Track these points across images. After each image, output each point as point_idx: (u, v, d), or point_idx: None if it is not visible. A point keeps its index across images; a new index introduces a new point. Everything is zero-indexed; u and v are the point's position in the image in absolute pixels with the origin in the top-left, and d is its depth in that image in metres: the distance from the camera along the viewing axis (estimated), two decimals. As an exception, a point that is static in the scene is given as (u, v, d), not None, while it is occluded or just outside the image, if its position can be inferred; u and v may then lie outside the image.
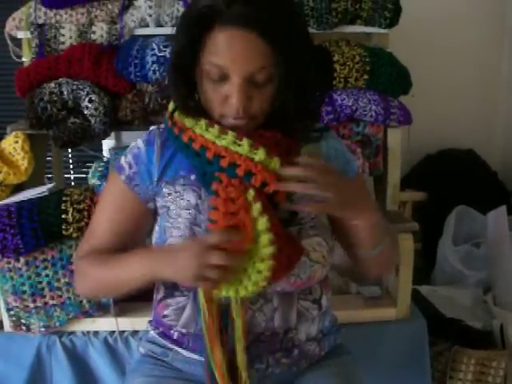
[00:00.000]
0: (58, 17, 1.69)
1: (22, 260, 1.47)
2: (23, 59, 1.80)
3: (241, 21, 0.84)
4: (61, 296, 1.51)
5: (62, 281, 1.50)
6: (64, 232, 1.46)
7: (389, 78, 1.66)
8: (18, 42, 1.80)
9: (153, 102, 1.63)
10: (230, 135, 0.91)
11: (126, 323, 1.56)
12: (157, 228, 1.03)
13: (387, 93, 1.69)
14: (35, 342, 1.54)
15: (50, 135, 1.63)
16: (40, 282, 1.49)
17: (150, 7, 1.65)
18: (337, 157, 1.06)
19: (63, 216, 1.45)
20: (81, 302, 1.52)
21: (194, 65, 0.92)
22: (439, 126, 2.52)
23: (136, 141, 1.05)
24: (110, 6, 1.68)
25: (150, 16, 1.66)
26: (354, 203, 0.93)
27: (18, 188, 1.61)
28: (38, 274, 1.49)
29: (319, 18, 1.66)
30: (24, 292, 1.49)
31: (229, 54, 0.86)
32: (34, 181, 1.64)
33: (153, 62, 1.58)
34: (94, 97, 1.58)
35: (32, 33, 1.70)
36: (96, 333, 1.58)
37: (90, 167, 1.74)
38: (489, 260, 2.16)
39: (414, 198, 2.39)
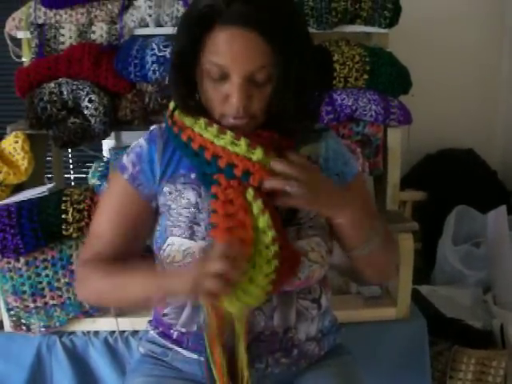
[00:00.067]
0: (58, 17, 1.69)
1: (22, 260, 1.47)
2: (23, 59, 1.80)
3: (241, 20, 0.85)
4: (61, 296, 1.51)
5: (62, 281, 1.50)
6: (64, 232, 1.46)
7: (389, 77, 1.66)
8: (17, 42, 1.80)
9: (153, 101, 1.63)
10: (229, 135, 0.91)
11: (126, 323, 1.56)
12: (157, 227, 1.03)
13: (387, 92, 1.69)
14: (35, 342, 1.54)
15: (49, 135, 1.63)
16: (40, 282, 1.49)
17: (150, 7, 1.65)
18: (335, 157, 1.07)
19: (63, 216, 1.45)
20: (81, 302, 1.52)
21: (194, 64, 0.92)
22: (439, 126, 2.51)
23: (138, 140, 1.05)
24: (109, 6, 1.68)
25: (150, 16, 1.66)
26: (329, 201, 0.94)
27: (18, 188, 1.61)
28: (38, 274, 1.49)
29: (319, 18, 1.66)
30: (24, 292, 1.49)
31: (229, 53, 0.86)
32: (33, 181, 1.64)
33: (153, 62, 1.58)
34: (93, 97, 1.58)
35: (32, 33, 1.70)
36: (96, 333, 1.58)
37: (90, 167, 1.74)
38: (489, 260, 2.16)
39: (414, 198, 2.39)
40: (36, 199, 1.48)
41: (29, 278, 1.48)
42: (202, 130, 0.94)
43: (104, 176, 1.60)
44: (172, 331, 1.06)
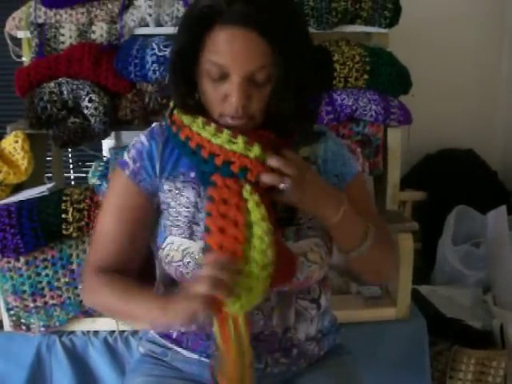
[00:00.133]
0: (58, 16, 1.69)
1: (22, 260, 1.47)
2: (23, 59, 1.80)
3: (241, 20, 0.85)
4: (61, 296, 1.51)
5: (62, 280, 1.50)
6: (64, 232, 1.46)
7: (389, 77, 1.66)
8: (17, 42, 1.80)
9: (153, 101, 1.63)
10: (225, 133, 0.91)
11: (126, 323, 1.56)
12: (157, 227, 1.03)
13: (387, 92, 1.69)
14: (35, 341, 1.54)
15: (49, 135, 1.63)
16: (40, 282, 1.49)
17: (150, 7, 1.65)
18: (334, 159, 1.07)
19: (63, 216, 1.45)
20: (81, 301, 1.52)
21: (194, 63, 0.92)
22: (439, 126, 2.51)
23: (138, 136, 1.05)
24: (109, 6, 1.68)
25: (150, 16, 1.66)
26: (316, 200, 0.93)
27: (18, 188, 1.61)
28: (38, 274, 1.49)
29: (319, 18, 1.66)
30: (24, 292, 1.49)
31: (229, 52, 0.87)
32: (33, 180, 1.64)
33: (153, 62, 1.58)
34: (93, 96, 1.58)
35: (32, 32, 1.70)
36: (96, 332, 1.58)
37: (90, 167, 1.74)
38: (488, 260, 2.16)
39: (414, 198, 2.40)
40: (36, 199, 1.48)
41: (29, 277, 1.48)
42: (199, 129, 0.94)
43: (104, 176, 1.60)
44: (172, 331, 1.06)
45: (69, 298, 1.51)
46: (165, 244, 0.99)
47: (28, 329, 1.53)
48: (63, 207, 1.45)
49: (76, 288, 1.51)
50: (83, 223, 1.46)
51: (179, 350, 1.05)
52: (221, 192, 0.90)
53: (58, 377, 1.55)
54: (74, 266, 1.49)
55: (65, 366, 1.54)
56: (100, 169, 1.66)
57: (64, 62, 1.61)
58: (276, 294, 1.00)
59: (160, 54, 1.58)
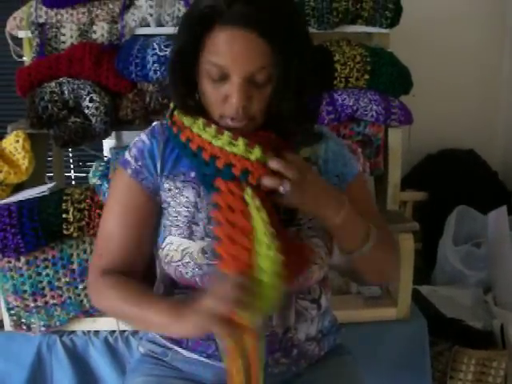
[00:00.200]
0: (59, 16, 1.69)
1: (23, 259, 1.47)
2: (24, 59, 1.80)
3: (241, 21, 0.84)
4: (61, 295, 1.51)
5: (63, 280, 1.50)
6: (65, 231, 1.46)
7: (390, 77, 1.66)
8: (18, 42, 1.80)
9: (153, 101, 1.63)
10: (226, 135, 0.91)
11: (133, 325, 1.56)
12: (158, 225, 1.03)
13: (388, 93, 1.69)
14: (36, 341, 1.55)
15: (50, 134, 1.63)
16: (40, 282, 1.49)
17: (151, 7, 1.65)
18: (335, 159, 1.07)
19: (64, 215, 1.45)
20: (81, 301, 1.52)
21: (194, 64, 0.92)
22: (440, 126, 2.51)
23: (139, 135, 1.05)
24: (110, 6, 1.69)
25: (151, 15, 1.66)
26: (317, 202, 0.93)
27: (19, 187, 1.61)
28: (39, 274, 1.49)
29: (320, 18, 1.66)
30: (24, 291, 1.49)
31: (229, 53, 0.86)
32: (34, 180, 1.64)
33: (154, 62, 1.58)
34: (94, 96, 1.58)
35: (33, 32, 1.70)
36: (96, 332, 1.58)
37: (90, 166, 1.73)
38: (489, 260, 2.16)
39: (415, 198, 2.39)
40: (36, 198, 1.48)
41: (29, 277, 1.49)
42: (200, 131, 0.94)
43: (105, 175, 1.60)
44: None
45: (69, 297, 1.52)
46: (164, 244, 0.99)
47: (28, 328, 1.53)
48: (64, 207, 1.45)
49: (76, 288, 1.51)
50: (84, 223, 1.46)
51: (179, 349, 1.05)
52: (225, 198, 0.90)
53: (58, 376, 1.55)
54: (75, 266, 1.50)
55: (65, 365, 1.54)
56: (101, 169, 1.66)
57: (65, 62, 1.61)
58: None
59: (161, 53, 1.58)
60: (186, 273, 0.96)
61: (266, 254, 0.86)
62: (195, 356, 1.03)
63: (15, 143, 1.57)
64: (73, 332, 1.58)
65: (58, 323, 1.54)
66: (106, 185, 1.50)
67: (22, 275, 1.48)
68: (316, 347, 1.08)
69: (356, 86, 1.67)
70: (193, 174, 1.00)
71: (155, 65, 1.58)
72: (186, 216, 0.98)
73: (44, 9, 1.69)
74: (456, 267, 2.20)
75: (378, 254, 1.00)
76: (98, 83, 1.62)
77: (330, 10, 1.66)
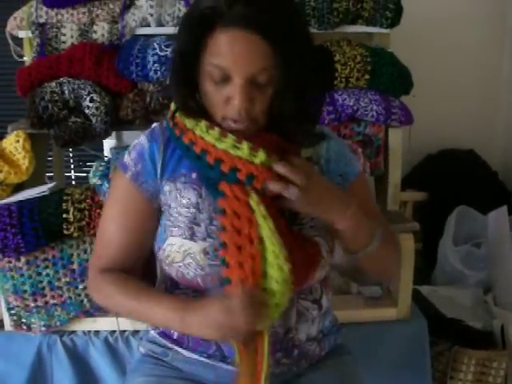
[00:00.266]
0: (60, 16, 1.69)
1: (23, 259, 1.47)
2: (24, 58, 1.80)
3: (242, 22, 0.84)
4: (61, 295, 1.51)
5: (63, 280, 1.50)
6: (65, 231, 1.46)
7: (390, 77, 1.66)
8: (19, 42, 1.80)
9: (154, 101, 1.63)
10: (230, 138, 0.91)
11: (127, 323, 1.56)
12: (158, 228, 1.03)
13: (388, 93, 1.69)
14: (36, 341, 1.55)
15: (50, 134, 1.63)
16: (41, 282, 1.49)
17: (152, 7, 1.65)
18: (337, 159, 1.07)
19: (64, 215, 1.45)
20: (81, 301, 1.52)
21: (195, 65, 0.92)
22: (440, 126, 2.51)
23: (139, 138, 1.04)
24: (111, 6, 1.68)
25: (152, 15, 1.66)
26: (326, 206, 0.94)
27: (19, 187, 1.61)
28: (39, 274, 1.49)
29: (320, 18, 1.66)
30: (25, 291, 1.49)
31: (230, 55, 0.86)
32: (34, 180, 1.64)
33: (154, 62, 1.58)
34: (95, 96, 1.58)
35: (33, 32, 1.70)
36: (97, 332, 1.58)
37: (90, 166, 1.73)
38: (489, 260, 2.16)
39: (415, 198, 2.39)
40: (37, 198, 1.48)
41: (29, 277, 1.49)
42: (203, 133, 0.93)
43: (105, 175, 1.60)
44: (172, 331, 1.06)
45: (69, 297, 1.51)
46: (165, 245, 0.99)
47: (29, 328, 1.53)
48: (64, 207, 1.45)
49: (77, 288, 1.51)
50: (84, 223, 1.46)
51: (180, 350, 1.05)
52: (231, 203, 0.90)
53: (58, 376, 1.55)
54: (75, 266, 1.50)
55: (65, 365, 1.54)
56: (101, 169, 1.66)
57: (65, 62, 1.61)
58: None
59: (161, 53, 1.58)
60: (188, 273, 0.96)
61: (275, 263, 0.87)
62: (196, 356, 1.03)
63: (15, 143, 1.57)
64: (73, 332, 1.58)
65: (58, 323, 1.54)
66: (107, 185, 1.50)
67: (22, 275, 1.48)
68: (317, 347, 1.08)
69: (356, 86, 1.67)
70: (194, 175, 0.99)
71: (156, 65, 1.58)
72: (187, 217, 0.98)
73: (44, 9, 1.69)
74: (456, 267, 2.20)
75: (382, 252, 1.00)
76: (98, 83, 1.62)
77: (330, 10, 1.66)
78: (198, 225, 0.97)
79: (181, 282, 1.01)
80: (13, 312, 1.51)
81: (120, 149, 1.89)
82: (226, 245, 0.89)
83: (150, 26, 1.70)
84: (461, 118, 2.56)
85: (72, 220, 1.45)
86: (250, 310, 0.84)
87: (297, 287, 0.92)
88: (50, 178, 1.93)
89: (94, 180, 1.60)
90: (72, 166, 2.65)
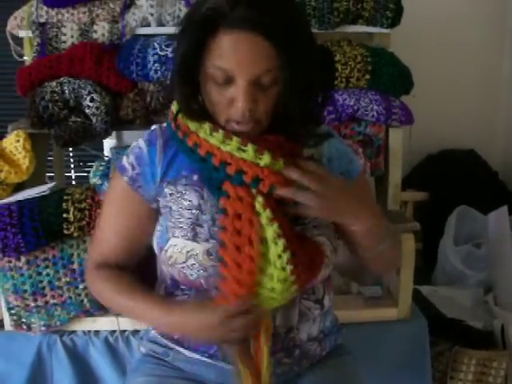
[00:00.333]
0: (60, 16, 1.69)
1: (23, 259, 1.47)
2: (25, 58, 1.80)
3: (245, 24, 0.83)
4: (62, 295, 1.51)
5: (63, 280, 1.50)
6: (65, 231, 1.46)
7: (390, 77, 1.66)
8: (19, 41, 1.80)
9: (154, 101, 1.63)
10: (235, 141, 0.90)
11: (127, 322, 1.56)
12: (158, 227, 1.03)
13: (389, 93, 1.69)
14: (36, 341, 1.54)
15: (51, 134, 1.63)
16: (41, 281, 1.49)
17: (152, 6, 1.65)
18: (339, 156, 1.06)
19: (64, 215, 1.45)
20: (82, 301, 1.52)
21: (197, 68, 0.91)
22: (440, 126, 2.51)
23: (137, 140, 1.04)
24: (111, 5, 1.68)
25: (152, 15, 1.66)
26: (345, 210, 0.94)
27: (19, 187, 1.61)
28: (39, 273, 1.49)
29: (321, 18, 1.66)
30: (25, 291, 1.49)
31: (234, 57, 0.85)
32: (35, 180, 1.64)
33: (154, 62, 1.58)
34: (95, 96, 1.58)
35: (33, 32, 1.70)
36: (97, 332, 1.58)
37: (91, 166, 1.73)
38: (490, 260, 2.15)
39: (415, 198, 2.39)
40: (37, 198, 1.48)
41: (30, 276, 1.48)
42: (207, 136, 0.93)
43: (105, 175, 1.60)
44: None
45: (70, 297, 1.51)
46: (167, 246, 0.99)
47: (29, 328, 1.53)
48: (64, 207, 1.45)
49: (77, 288, 1.51)
50: (84, 223, 1.45)
51: (181, 349, 1.05)
52: (233, 204, 0.90)
53: (58, 376, 1.55)
54: (75, 266, 1.49)
55: (65, 365, 1.54)
56: (101, 168, 1.66)
57: (66, 62, 1.61)
58: None
59: (162, 53, 1.58)
60: (191, 275, 0.96)
61: (277, 263, 0.88)
62: (197, 356, 1.03)
63: (16, 143, 1.57)
64: (73, 332, 1.57)
65: (58, 323, 1.54)
66: (107, 184, 1.50)
67: (22, 275, 1.48)
68: (318, 347, 1.08)
69: (357, 86, 1.67)
70: (195, 177, 0.99)
71: (156, 64, 1.58)
72: (189, 218, 0.98)
73: (45, 8, 1.69)
74: (456, 267, 2.20)
75: (388, 250, 1.02)
76: (98, 83, 1.62)
77: (330, 9, 1.66)
78: (201, 226, 0.97)
79: (183, 283, 1.01)
80: (13, 312, 1.51)
81: (120, 149, 1.90)
82: (224, 244, 0.90)
83: (150, 26, 1.70)
84: (461, 118, 2.56)
85: (72, 220, 1.45)
86: (239, 320, 0.87)
87: (300, 289, 0.92)
88: (51, 177, 1.93)
89: (95, 180, 1.60)
90: (72, 166, 2.65)
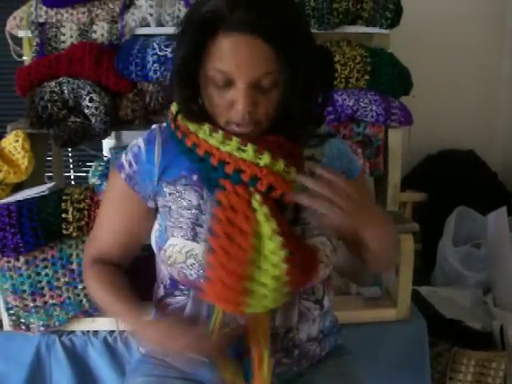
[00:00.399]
0: (59, 16, 1.69)
1: (22, 259, 1.47)
2: (24, 58, 1.80)
3: (245, 27, 0.83)
4: (60, 295, 1.51)
5: (62, 280, 1.50)
6: (64, 231, 1.45)
7: (390, 78, 1.66)
8: (18, 41, 1.80)
9: (153, 101, 1.62)
10: (235, 141, 0.90)
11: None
12: (157, 226, 1.03)
13: (388, 93, 1.69)
14: (35, 341, 1.54)
15: (50, 134, 1.63)
16: (40, 282, 1.49)
17: (151, 6, 1.65)
18: (340, 156, 1.07)
19: (63, 215, 1.45)
20: (80, 301, 1.52)
21: (197, 70, 0.91)
22: (440, 127, 2.52)
23: (137, 139, 1.04)
24: (110, 5, 1.68)
25: (151, 15, 1.66)
26: (362, 219, 0.91)
27: (18, 187, 1.61)
28: (38, 274, 1.49)
29: (320, 18, 1.66)
30: (24, 291, 1.49)
31: (233, 59, 0.85)
32: (34, 180, 1.64)
33: (154, 62, 1.58)
34: (94, 96, 1.58)
35: (33, 32, 1.70)
36: (96, 332, 1.58)
37: (90, 166, 1.74)
38: (489, 261, 2.16)
39: (415, 199, 2.40)
40: (36, 198, 1.48)
41: (28, 277, 1.48)
42: (206, 137, 0.93)
43: (104, 175, 1.60)
44: None
45: (68, 297, 1.51)
46: (166, 245, 0.99)
47: (28, 328, 1.53)
48: (63, 207, 1.45)
49: (76, 288, 1.51)
50: (83, 223, 1.45)
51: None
52: (229, 197, 0.90)
53: (57, 376, 1.55)
54: (74, 266, 1.49)
55: (64, 365, 1.54)
56: (100, 168, 1.66)
57: (65, 62, 1.61)
58: None
59: (161, 53, 1.57)
60: (191, 274, 0.96)
61: (274, 262, 0.87)
62: (196, 356, 1.03)
63: (15, 143, 1.57)
64: (72, 332, 1.57)
65: (57, 323, 1.53)
66: (106, 184, 1.50)
67: (21, 275, 1.48)
68: (317, 347, 1.08)
69: (356, 87, 1.67)
70: (195, 177, 0.99)
71: (155, 65, 1.58)
72: (189, 218, 0.98)
73: (44, 8, 1.69)
74: (455, 268, 2.20)
75: (389, 250, 1.01)
76: (97, 83, 1.62)
77: (330, 10, 1.66)
78: (201, 226, 0.97)
79: (183, 283, 1.01)
80: (12, 312, 1.51)
81: (119, 149, 1.90)
82: (215, 233, 0.89)
83: (149, 26, 1.70)
84: (460, 119, 2.56)
85: (71, 220, 1.45)
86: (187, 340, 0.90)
87: (292, 292, 0.91)
88: (50, 177, 1.93)
89: (94, 180, 1.60)
90: (71, 166, 2.65)
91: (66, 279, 1.50)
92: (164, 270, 1.05)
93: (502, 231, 2.09)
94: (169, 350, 0.95)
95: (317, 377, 1.07)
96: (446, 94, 2.53)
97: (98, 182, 1.57)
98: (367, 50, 1.69)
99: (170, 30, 1.66)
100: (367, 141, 1.71)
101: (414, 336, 1.65)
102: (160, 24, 1.69)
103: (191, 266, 0.96)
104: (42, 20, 1.70)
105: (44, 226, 1.44)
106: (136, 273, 1.23)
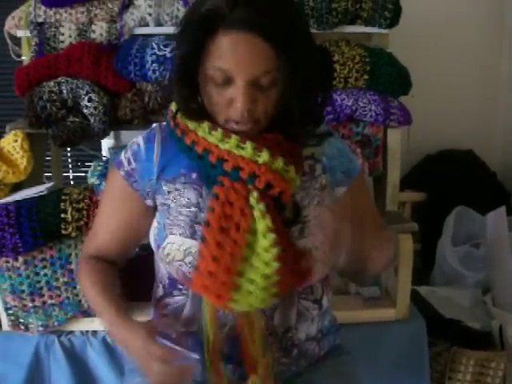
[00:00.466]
0: (58, 15, 1.69)
1: (21, 259, 1.46)
2: (23, 58, 1.80)
3: (245, 25, 0.83)
4: (59, 295, 1.51)
5: (61, 280, 1.50)
6: (63, 231, 1.45)
7: (389, 78, 1.66)
8: (17, 41, 1.80)
9: (152, 101, 1.62)
10: (234, 139, 0.91)
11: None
12: (156, 224, 1.03)
13: (387, 93, 1.69)
14: (33, 341, 1.54)
15: (49, 134, 1.62)
16: (38, 282, 1.49)
17: (150, 6, 1.65)
18: (339, 155, 1.07)
19: (62, 215, 1.44)
20: (79, 301, 1.52)
21: (196, 68, 0.91)
22: (439, 127, 2.52)
23: (137, 137, 1.05)
24: (109, 5, 1.68)
25: (150, 15, 1.66)
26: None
27: (17, 187, 1.61)
28: (37, 274, 1.48)
29: (319, 18, 1.66)
30: (22, 291, 1.49)
31: (233, 57, 0.85)
32: (32, 180, 1.63)
33: (152, 62, 1.58)
34: (93, 96, 1.58)
35: (31, 31, 1.69)
36: (95, 332, 1.57)
37: (89, 166, 1.74)
38: (488, 261, 2.16)
39: (414, 199, 2.40)
40: (35, 198, 1.48)
41: (27, 277, 1.48)
42: (205, 134, 0.93)
43: (103, 175, 1.60)
44: (171, 332, 1.06)
45: (67, 297, 1.51)
46: (165, 243, 0.99)
47: (26, 328, 1.52)
48: (62, 207, 1.45)
49: (75, 288, 1.50)
50: (82, 223, 1.45)
51: (180, 349, 1.05)
52: (227, 192, 0.90)
53: (56, 377, 1.55)
54: (73, 266, 1.49)
55: (63, 365, 1.54)
56: (99, 168, 1.66)
57: (64, 62, 1.61)
58: None
59: (160, 53, 1.57)
60: (189, 272, 0.96)
61: (266, 259, 0.87)
62: (196, 356, 1.03)
63: (14, 143, 1.57)
64: (71, 332, 1.57)
65: (56, 323, 1.53)
66: (105, 184, 1.49)
67: (20, 275, 1.48)
68: (316, 347, 1.08)
69: (355, 87, 1.67)
70: (194, 175, 0.99)
71: (154, 64, 1.58)
72: (188, 216, 0.98)
73: (43, 8, 1.69)
74: (455, 268, 2.21)
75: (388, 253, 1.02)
76: (96, 83, 1.62)
77: (329, 10, 1.66)
78: (200, 224, 0.97)
79: (181, 282, 1.01)
80: (10, 312, 1.51)
81: (118, 149, 1.89)
82: (209, 224, 0.89)
83: (148, 26, 1.70)
84: (460, 119, 2.56)
85: (70, 220, 1.45)
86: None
87: (281, 291, 0.91)
88: (48, 177, 1.93)
89: (92, 180, 1.60)
90: (70, 166, 2.65)
91: (65, 279, 1.50)
92: (163, 269, 1.05)
93: (501, 231, 2.09)
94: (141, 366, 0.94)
95: (316, 376, 1.07)
96: (445, 94, 2.53)
97: (97, 182, 1.57)
98: (366, 49, 1.69)
99: (168, 29, 1.66)
100: (366, 141, 1.71)
101: (413, 336, 1.65)
102: (159, 24, 1.69)
103: (189, 263, 0.96)
104: (40, 20, 1.70)
105: (43, 226, 1.44)
106: (135, 272, 1.23)
